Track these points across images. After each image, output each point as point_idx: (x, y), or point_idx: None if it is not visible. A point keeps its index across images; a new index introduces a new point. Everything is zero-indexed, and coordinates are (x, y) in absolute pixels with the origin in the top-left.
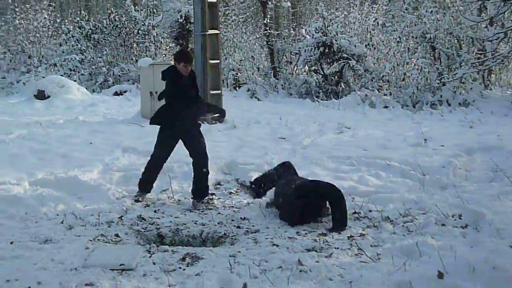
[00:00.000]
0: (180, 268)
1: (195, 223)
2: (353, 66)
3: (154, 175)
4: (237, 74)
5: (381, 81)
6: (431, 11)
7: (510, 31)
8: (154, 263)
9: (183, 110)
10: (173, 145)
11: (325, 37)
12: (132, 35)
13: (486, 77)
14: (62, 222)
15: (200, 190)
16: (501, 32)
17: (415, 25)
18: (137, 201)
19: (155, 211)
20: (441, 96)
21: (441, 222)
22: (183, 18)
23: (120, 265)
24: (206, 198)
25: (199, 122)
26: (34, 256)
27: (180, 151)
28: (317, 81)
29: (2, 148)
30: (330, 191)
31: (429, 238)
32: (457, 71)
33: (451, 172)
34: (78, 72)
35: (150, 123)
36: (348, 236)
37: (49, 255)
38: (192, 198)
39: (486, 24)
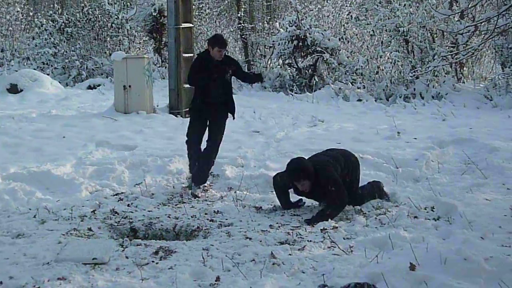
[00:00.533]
0: (153, 261)
1: (169, 217)
2: (326, 59)
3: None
4: None
5: (354, 74)
6: (404, 5)
7: (480, 24)
8: (127, 257)
9: (211, 94)
10: (204, 129)
11: (299, 31)
12: (105, 28)
13: (459, 70)
14: (34, 217)
15: (201, 176)
16: (471, 25)
17: (388, 18)
18: (195, 196)
19: (128, 205)
20: (414, 89)
21: (414, 215)
22: (157, 11)
23: (93, 259)
24: (203, 185)
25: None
26: (6, 250)
27: (155, 145)
28: (291, 74)
29: None
30: None
31: (402, 231)
32: (430, 64)
33: (424, 165)
34: (51, 65)
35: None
36: (321, 229)
37: (21, 249)
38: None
39: (457, 17)
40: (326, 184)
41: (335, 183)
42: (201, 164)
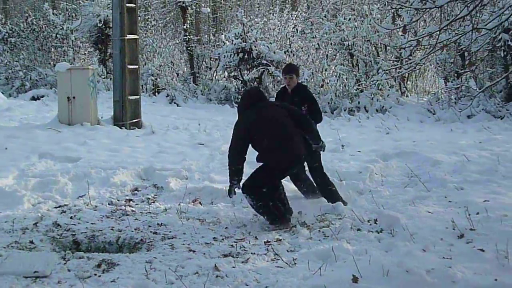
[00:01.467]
0: (95, 275)
1: (112, 229)
2: (272, 72)
3: None
4: (156, 79)
5: None
6: (349, 19)
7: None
8: (69, 270)
9: None
10: None
11: (245, 43)
12: (50, 39)
13: (402, 84)
14: None
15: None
16: (413, 40)
17: (333, 32)
18: None
19: (71, 217)
20: (358, 102)
21: (357, 227)
22: (102, 22)
23: (34, 272)
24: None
25: None
26: None
27: (99, 157)
28: (236, 87)
29: None
30: None
31: (345, 243)
32: (374, 77)
33: (368, 178)
34: None
35: None
36: (264, 241)
37: None
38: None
39: (401, 32)
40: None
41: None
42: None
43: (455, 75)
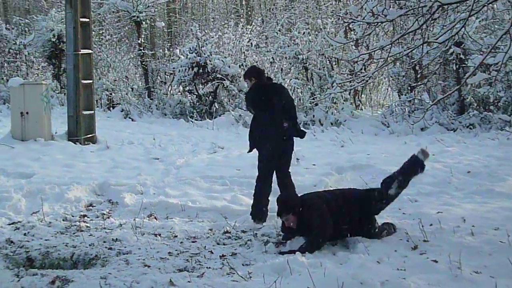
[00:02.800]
0: None
1: (66, 246)
2: (227, 86)
3: None
4: (111, 94)
5: None
6: (304, 33)
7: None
8: (23, 287)
9: None
10: None
11: (199, 58)
12: (2, 54)
13: (356, 98)
14: None
15: None
16: (365, 54)
17: (288, 46)
18: None
19: (24, 234)
20: (313, 116)
21: None
22: (56, 37)
23: None
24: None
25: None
26: None
27: (53, 172)
28: (191, 101)
29: None
30: None
31: (300, 256)
32: (328, 91)
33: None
34: None
35: None
36: (220, 256)
37: None
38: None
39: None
40: (310, 216)
41: (318, 214)
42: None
43: (409, 88)
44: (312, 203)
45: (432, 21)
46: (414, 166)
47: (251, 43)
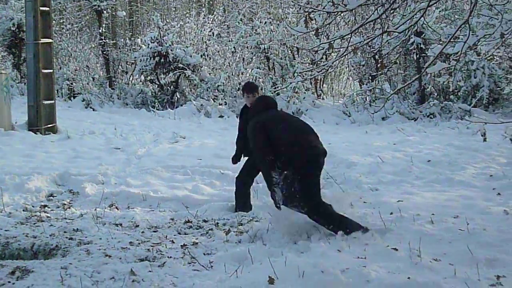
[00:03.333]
0: (9, 282)
1: (26, 236)
2: (188, 76)
3: None
4: (71, 83)
5: (216, 91)
6: (265, 22)
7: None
8: None
9: None
10: None
11: (161, 47)
12: None
13: (318, 87)
14: None
15: None
16: (325, 43)
17: (249, 35)
18: None
19: None
20: None
21: (273, 229)
22: (16, 26)
23: None
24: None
25: None
26: None
27: (13, 163)
28: (153, 91)
29: None
30: None
31: (261, 245)
32: (290, 80)
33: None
34: None
35: None
36: (181, 245)
37: None
38: None
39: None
40: None
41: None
42: None
43: (369, 77)
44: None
45: (392, 11)
46: None
47: (213, 33)
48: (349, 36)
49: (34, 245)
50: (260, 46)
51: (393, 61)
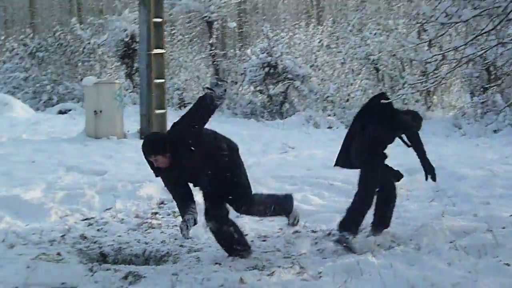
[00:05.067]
0: (122, 286)
1: (138, 242)
2: (297, 86)
3: None
4: (182, 93)
5: (325, 101)
6: (375, 33)
7: (448, 53)
8: (96, 282)
9: None
10: None
11: (270, 58)
12: (77, 53)
13: (428, 99)
14: (3, 241)
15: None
16: (439, 54)
17: (359, 46)
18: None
19: (98, 230)
20: None
21: (382, 241)
22: (129, 37)
23: (62, 284)
24: None
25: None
26: None
27: (125, 170)
28: (262, 101)
29: None
30: None
31: (370, 256)
32: (399, 92)
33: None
34: (22, 90)
35: None
36: (289, 255)
37: None
38: None
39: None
40: None
41: None
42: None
43: (481, 89)
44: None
45: (507, 21)
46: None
47: (322, 44)
48: (463, 47)
49: (146, 251)
50: (370, 57)
51: (506, 73)
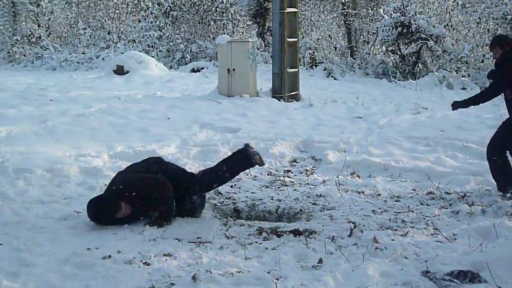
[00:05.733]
0: (256, 242)
1: (272, 199)
2: (431, 47)
3: None
4: (313, 53)
5: (459, 62)
6: None
7: None
8: (230, 237)
9: None
10: None
11: (404, 17)
12: (210, 12)
13: None
14: None
15: None
16: None
17: (496, 6)
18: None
19: (231, 186)
20: None
21: None
22: None
23: (197, 237)
24: None
25: None
26: (113, 226)
27: (258, 128)
28: (394, 61)
29: (83, 122)
30: None
31: (507, 221)
32: None
33: None
34: (156, 48)
35: None
36: (424, 216)
37: (128, 226)
38: None
39: None
40: None
41: None
42: None
43: None
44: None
45: None
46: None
47: (457, 3)
48: None
49: (279, 208)
50: (507, 16)
51: None
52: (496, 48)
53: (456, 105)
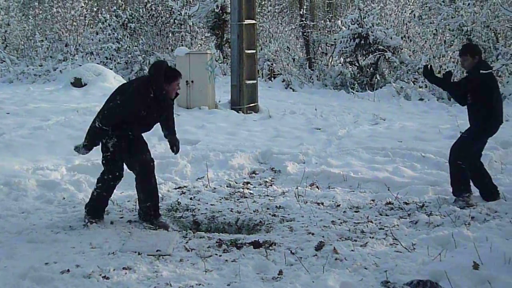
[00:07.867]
0: (216, 254)
1: (231, 211)
2: (388, 58)
3: None
4: (272, 64)
5: (416, 73)
6: (468, 4)
7: None
8: (190, 249)
9: None
10: None
11: (361, 29)
12: (168, 24)
13: None
14: None
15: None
16: None
17: (451, 17)
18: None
19: (190, 198)
20: None
21: (476, 214)
22: (219, 8)
23: (157, 250)
24: None
25: None
26: (72, 240)
27: (217, 140)
28: (352, 72)
29: (40, 135)
30: None
31: (465, 230)
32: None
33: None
34: (114, 60)
35: None
36: (382, 226)
37: (86, 239)
38: None
39: None
40: None
41: None
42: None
43: None
44: None
45: None
46: None
47: (414, 14)
48: None
49: (239, 220)
50: (463, 28)
51: None
52: (466, 55)
53: (426, 74)
